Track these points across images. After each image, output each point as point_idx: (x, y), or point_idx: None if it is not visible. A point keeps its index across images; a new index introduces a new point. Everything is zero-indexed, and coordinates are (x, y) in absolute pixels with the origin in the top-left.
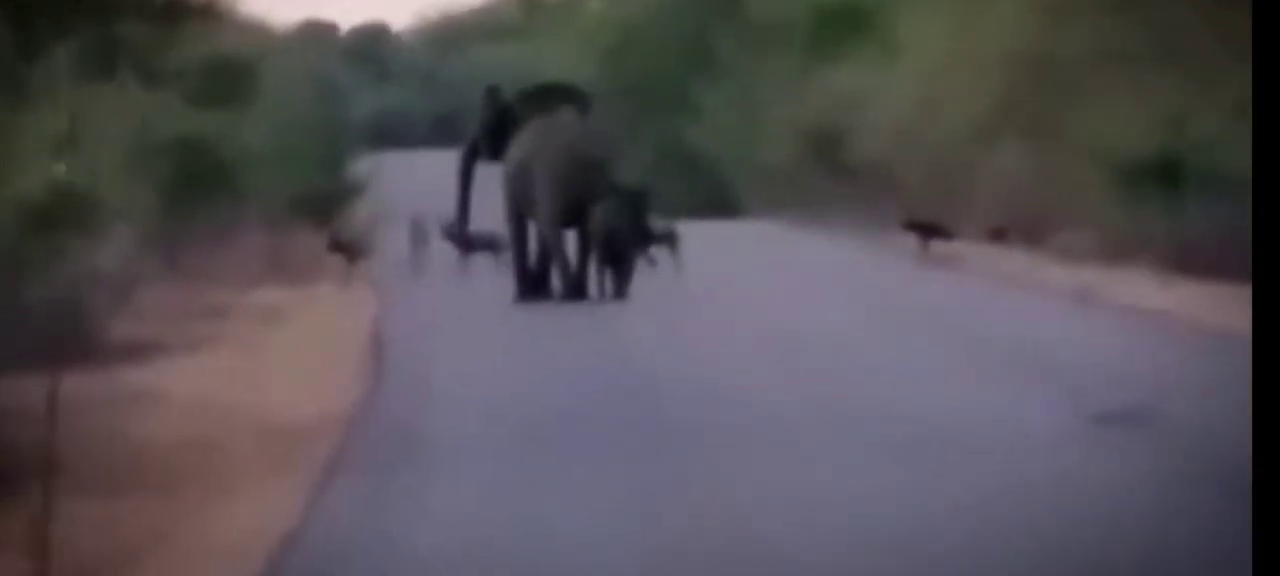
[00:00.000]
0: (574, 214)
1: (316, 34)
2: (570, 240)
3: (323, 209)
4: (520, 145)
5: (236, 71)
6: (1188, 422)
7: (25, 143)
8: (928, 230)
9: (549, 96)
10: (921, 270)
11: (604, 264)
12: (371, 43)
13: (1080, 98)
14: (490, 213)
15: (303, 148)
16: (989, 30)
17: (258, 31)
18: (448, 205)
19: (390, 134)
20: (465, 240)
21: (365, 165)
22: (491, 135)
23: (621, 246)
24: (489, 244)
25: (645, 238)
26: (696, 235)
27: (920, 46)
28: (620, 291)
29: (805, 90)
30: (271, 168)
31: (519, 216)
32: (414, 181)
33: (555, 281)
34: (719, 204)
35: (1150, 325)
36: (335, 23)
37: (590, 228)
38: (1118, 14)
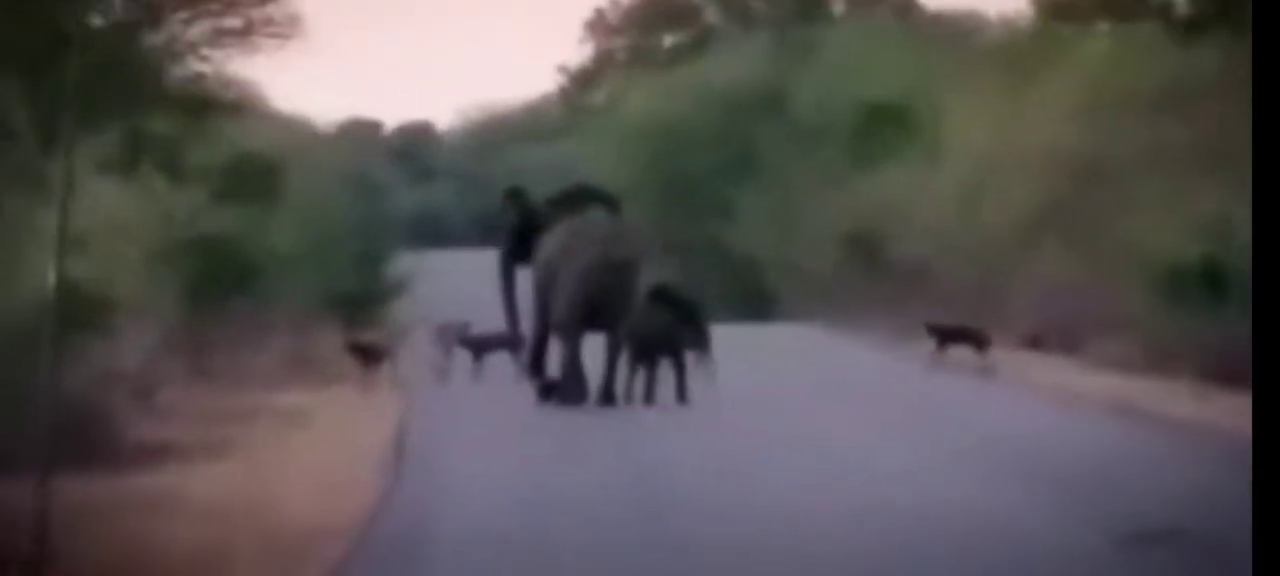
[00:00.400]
0: (600, 315)
1: (360, 132)
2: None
3: (356, 309)
4: (549, 246)
5: (262, 169)
6: (1222, 541)
7: (43, 238)
8: (954, 335)
9: (577, 198)
10: (956, 378)
11: (636, 367)
12: (415, 141)
13: (1122, 201)
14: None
15: (334, 247)
16: (1031, 132)
17: (300, 128)
18: (484, 305)
19: (431, 232)
20: (476, 342)
21: (405, 264)
22: (517, 237)
23: (654, 349)
24: (506, 345)
25: (693, 338)
26: (731, 338)
27: (962, 148)
28: (651, 397)
29: (846, 192)
30: (301, 267)
31: (545, 318)
32: (454, 281)
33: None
34: (755, 306)
35: (1188, 439)
36: (379, 120)
37: (621, 330)
38: (1161, 116)
